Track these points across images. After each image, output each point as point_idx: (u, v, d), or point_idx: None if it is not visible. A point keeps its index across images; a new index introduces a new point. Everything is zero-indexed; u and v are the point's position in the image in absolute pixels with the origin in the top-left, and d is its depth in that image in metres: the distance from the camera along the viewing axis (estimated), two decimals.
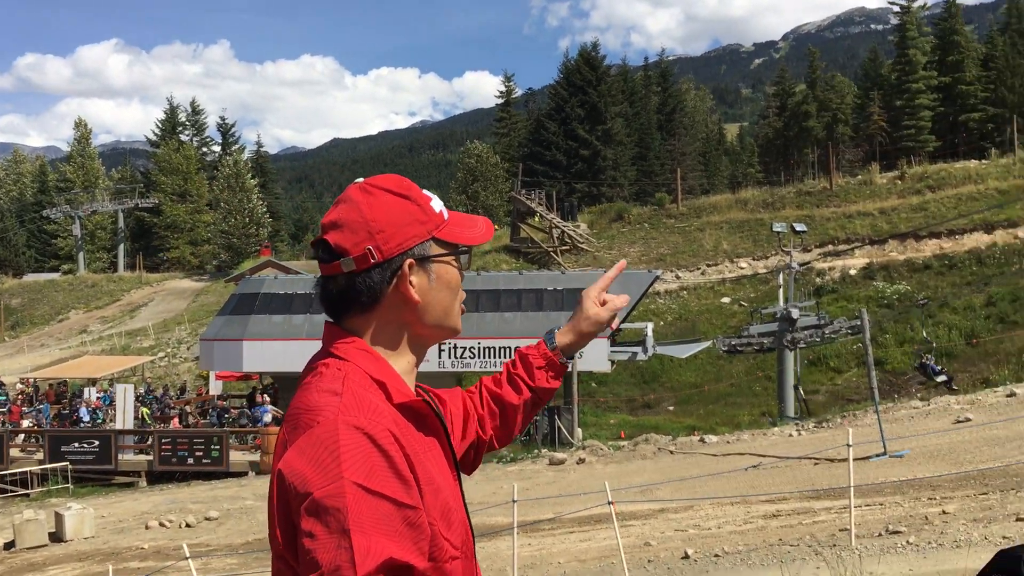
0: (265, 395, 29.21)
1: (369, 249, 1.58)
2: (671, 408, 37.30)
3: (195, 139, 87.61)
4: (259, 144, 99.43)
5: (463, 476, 1.78)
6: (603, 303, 2.00)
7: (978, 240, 44.76)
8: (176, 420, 29.52)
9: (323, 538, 1.37)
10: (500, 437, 2.00)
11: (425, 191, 1.68)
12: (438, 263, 1.63)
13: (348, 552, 1.34)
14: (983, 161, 55.76)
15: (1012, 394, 19.19)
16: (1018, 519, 8.47)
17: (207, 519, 19.63)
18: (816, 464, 16.36)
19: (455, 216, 1.70)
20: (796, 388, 30.55)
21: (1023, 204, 44.13)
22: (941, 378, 29.84)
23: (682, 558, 10.46)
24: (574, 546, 12.65)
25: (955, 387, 29.69)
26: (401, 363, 1.65)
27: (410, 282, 1.60)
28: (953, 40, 72.61)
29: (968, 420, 17.45)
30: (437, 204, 1.66)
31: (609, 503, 10.42)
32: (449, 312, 1.68)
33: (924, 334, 31.89)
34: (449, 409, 1.91)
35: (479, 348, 29.16)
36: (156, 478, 26.71)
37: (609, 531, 11.25)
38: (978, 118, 70.19)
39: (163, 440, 26.58)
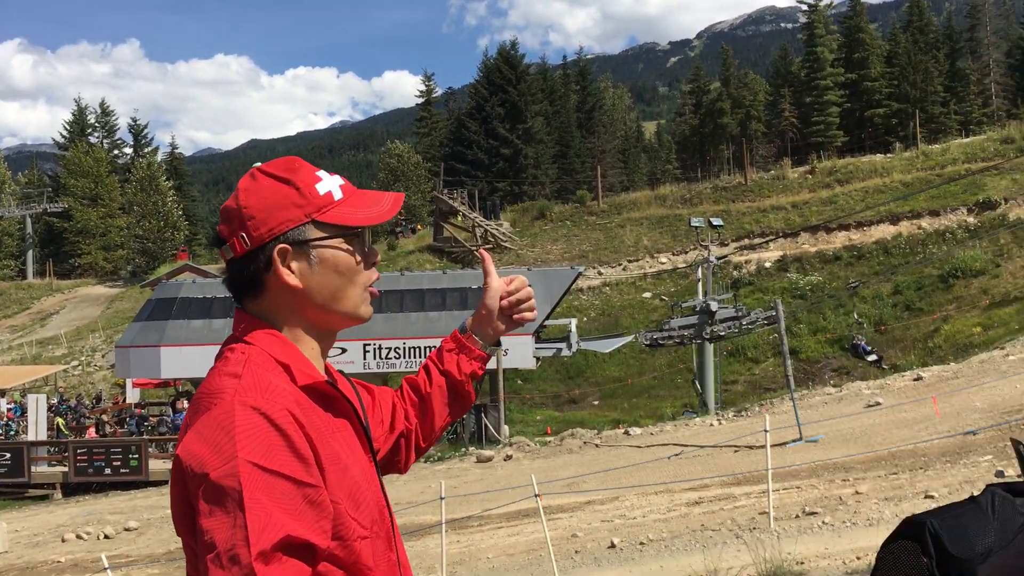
0: (186, 401, 28.61)
1: (241, 236, 1.59)
2: (596, 403, 37.77)
3: (106, 141, 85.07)
4: (173, 146, 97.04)
5: (401, 475, 1.83)
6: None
7: (884, 231, 46.37)
8: (92, 430, 28.71)
9: (219, 518, 1.37)
10: (423, 431, 1.97)
11: (320, 172, 1.64)
12: (319, 247, 1.59)
13: (243, 531, 1.34)
14: (888, 155, 57.74)
15: (919, 378, 20.00)
16: (927, 496, 8.88)
17: (126, 530, 19.17)
18: (736, 451, 16.81)
19: (355, 196, 1.65)
20: (693, 382, 31.34)
21: (926, 196, 45.85)
22: (872, 358, 30.74)
23: (608, 547, 10.66)
24: (502, 541, 12.76)
25: (884, 366, 30.63)
26: (307, 347, 1.65)
27: (289, 267, 1.59)
28: (858, 38, 75.05)
29: (878, 404, 18.13)
30: (326, 185, 1.61)
31: (536, 497, 10.55)
32: (339, 296, 1.64)
33: (856, 316, 32.70)
34: (377, 401, 1.92)
35: (404, 348, 29.09)
36: (72, 490, 25.95)
37: (537, 524, 11.39)
38: (883, 113, 72.66)
39: (79, 451, 25.83)
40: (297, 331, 1.64)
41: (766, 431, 10.61)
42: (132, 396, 33.93)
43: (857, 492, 10.15)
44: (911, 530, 1.37)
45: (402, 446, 1.96)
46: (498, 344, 2.04)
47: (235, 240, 1.60)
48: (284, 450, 1.42)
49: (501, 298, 1.99)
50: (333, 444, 1.53)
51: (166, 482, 25.22)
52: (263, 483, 1.38)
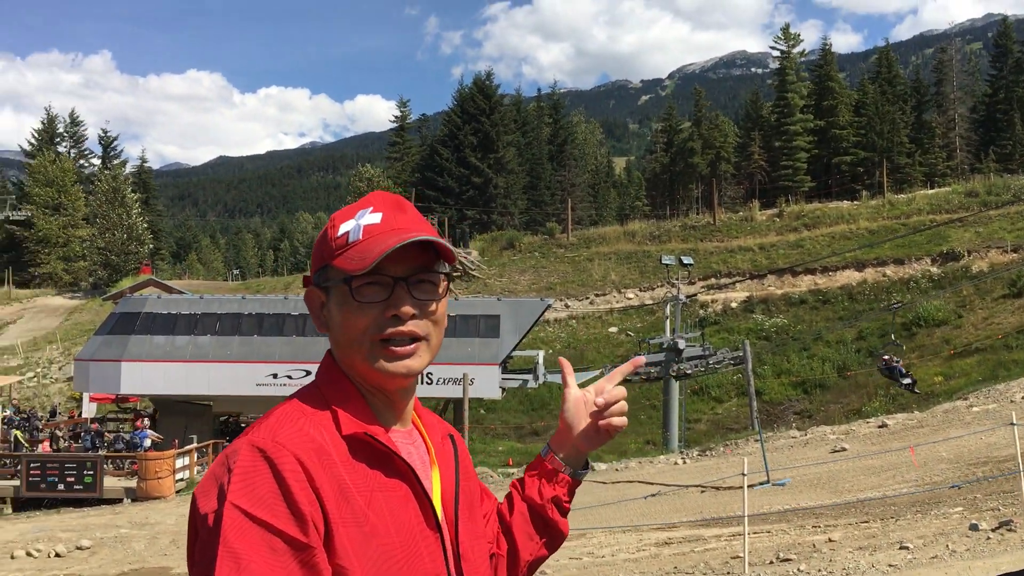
0: (145, 419, 28.10)
1: (306, 276, 1.62)
2: None
3: (73, 151, 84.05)
4: (143, 159, 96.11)
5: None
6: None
7: (850, 277, 47.04)
8: (46, 444, 28.05)
9: (200, 560, 1.35)
10: (509, 564, 1.78)
11: (363, 210, 1.56)
12: (333, 291, 1.54)
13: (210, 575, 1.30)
14: (855, 202, 58.74)
15: (884, 425, 20.17)
16: (902, 547, 8.90)
17: (79, 548, 18.70)
18: (703, 492, 16.80)
19: (377, 237, 1.51)
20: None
21: (891, 244, 46.62)
22: (907, 381, 29.22)
23: None
24: None
25: (917, 391, 29.63)
26: (374, 399, 1.57)
27: (328, 310, 1.56)
28: (828, 86, 76.49)
29: (844, 450, 18.25)
30: (348, 225, 1.54)
31: None
32: (347, 344, 1.53)
33: (892, 337, 32.01)
34: (483, 497, 1.78)
35: None
36: (22, 505, 25.30)
37: None
38: (850, 160, 73.96)
39: (32, 464, 25.20)
40: (354, 378, 1.57)
41: (743, 474, 10.60)
42: (88, 411, 33.27)
43: (830, 539, 10.16)
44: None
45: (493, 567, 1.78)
46: (586, 467, 1.84)
47: (305, 276, 1.64)
48: (277, 499, 1.34)
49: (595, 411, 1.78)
50: (362, 503, 1.42)
51: (120, 500, 24.73)
52: (243, 530, 1.32)
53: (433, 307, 1.55)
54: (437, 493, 1.58)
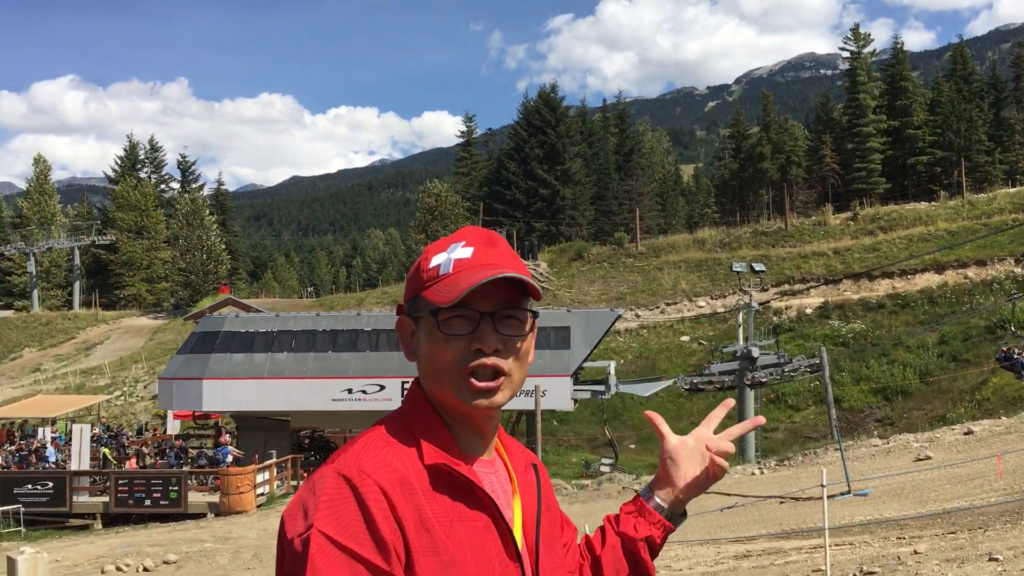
0: (228, 436, 28.80)
1: (399, 305, 1.66)
2: (632, 447, 37.40)
3: (154, 176, 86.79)
4: (219, 182, 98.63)
5: None
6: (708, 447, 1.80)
7: (929, 280, 45.78)
8: (133, 461, 28.94)
9: (289, 572, 1.40)
10: None
11: (457, 243, 1.61)
12: (425, 321, 1.57)
13: None
14: (932, 203, 57.20)
15: (970, 432, 19.58)
16: (991, 559, 8.63)
17: (165, 562, 19.21)
18: (782, 503, 16.52)
19: (466, 271, 1.55)
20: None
21: (972, 245, 45.25)
22: None
23: None
24: None
25: None
26: (459, 430, 1.60)
27: (411, 335, 1.61)
28: (901, 85, 74.68)
29: (928, 458, 17.76)
30: (440, 258, 1.58)
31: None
32: (432, 376, 1.58)
33: (1012, 328, 30.31)
34: (564, 527, 1.81)
35: None
36: (111, 520, 26.13)
37: None
38: (926, 161, 72.04)
39: (120, 481, 26.03)
40: (439, 407, 1.61)
41: (823, 484, 10.40)
42: (172, 428, 34.22)
43: (916, 551, 9.89)
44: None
45: None
46: (684, 515, 1.83)
47: (397, 306, 1.68)
48: (361, 527, 1.39)
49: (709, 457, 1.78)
50: (441, 533, 1.45)
51: (204, 515, 25.37)
52: (329, 556, 1.36)
53: (518, 344, 1.57)
54: (518, 523, 1.61)
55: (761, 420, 2.02)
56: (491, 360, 1.54)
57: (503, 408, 1.63)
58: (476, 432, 1.61)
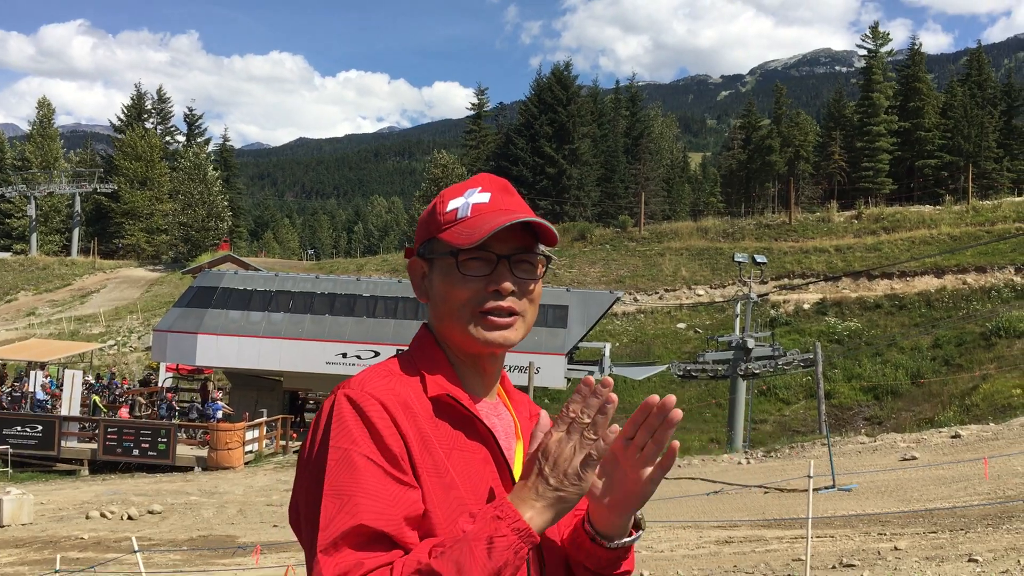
0: (220, 393, 28.89)
1: (406, 246, 1.73)
2: (621, 429, 37.52)
3: (159, 127, 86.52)
4: (225, 138, 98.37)
5: None
6: None
7: (928, 283, 45.77)
8: (124, 410, 29.01)
9: (301, 502, 1.48)
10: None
11: (472, 188, 1.66)
12: (441, 262, 1.62)
13: (315, 520, 1.41)
14: (937, 207, 57.11)
15: (957, 435, 19.65)
16: (970, 559, 8.69)
17: (150, 512, 19.33)
18: (766, 492, 16.60)
19: (484, 215, 1.60)
20: None
21: (973, 252, 45.21)
22: None
23: None
24: None
25: None
26: (463, 368, 1.65)
27: (429, 280, 1.65)
28: (915, 87, 74.39)
29: (914, 459, 17.83)
30: (458, 202, 1.63)
31: None
32: (446, 316, 1.62)
33: None
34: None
35: None
36: (98, 468, 26.25)
37: None
38: (934, 164, 71.90)
39: (109, 430, 26.12)
40: (444, 342, 1.66)
41: (809, 476, 10.46)
42: (164, 381, 34.31)
43: (896, 548, 9.95)
44: None
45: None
46: (638, 528, 1.64)
47: (407, 248, 1.73)
48: (369, 441, 1.44)
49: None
50: (441, 457, 1.50)
51: (191, 468, 25.49)
52: (347, 464, 1.42)
53: (531, 286, 1.63)
54: (519, 464, 1.63)
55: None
56: (507, 302, 1.59)
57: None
58: (481, 371, 1.66)
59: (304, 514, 1.47)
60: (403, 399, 1.50)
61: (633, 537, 1.61)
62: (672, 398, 1.49)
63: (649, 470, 1.51)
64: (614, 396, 1.43)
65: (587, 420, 1.44)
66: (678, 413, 1.47)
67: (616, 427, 1.46)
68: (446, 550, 1.35)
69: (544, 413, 1.57)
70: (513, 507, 1.41)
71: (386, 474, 1.43)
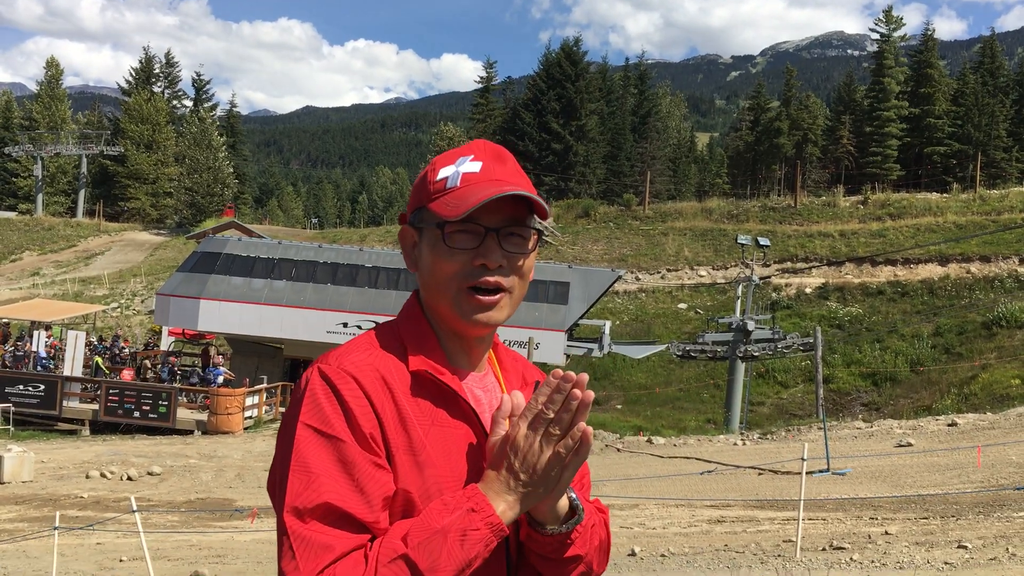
0: (220, 358, 29.00)
1: (403, 213, 1.66)
2: (619, 407, 37.66)
3: (167, 91, 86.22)
4: (232, 104, 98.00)
5: None
6: None
7: (932, 271, 45.72)
8: (126, 372, 29.15)
9: (276, 474, 1.47)
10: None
11: (464, 156, 1.59)
12: (429, 232, 1.56)
13: (283, 493, 1.41)
14: (944, 194, 56.94)
15: (953, 424, 19.74)
16: (960, 546, 8.79)
17: (149, 473, 19.50)
18: (760, 474, 16.72)
19: (474, 185, 1.53)
20: None
21: (978, 241, 45.13)
22: None
23: (628, 555, 10.67)
24: None
25: None
26: (449, 341, 1.59)
27: (418, 250, 1.60)
28: (926, 73, 73.92)
29: (910, 445, 17.94)
30: (448, 171, 1.56)
31: None
32: (432, 288, 1.56)
33: None
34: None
35: None
36: (99, 428, 26.42)
37: None
38: (943, 152, 71.58)
39: (111, 391, 26.27)
40: (430, 314, 1.60)
41: (803, 459, 10.54)
42: (165, 344, 34.44)
43: (887, 532, 10.05)
44: None
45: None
46: (572, 515, 1.55)
47: (401, 214, 1.67)
48: (341, 420, 1.42)
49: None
50: (419, 434, 1.47)
51: (191, 432, 25.67)
52: (313, 445, 1.41)
53: (521, 261, 1.56)
54: None
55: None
56: (494, 277, 1.53)
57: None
58: (467, 347, 1.60)
59: (278, 483, 1.45)
60: (381, 374, 1.47)
61: (566, 525, 1.52)
62: (584, 376, 1.44)
63: (558, 452, 1.43)
64: (580, 393, 1.41)
65: (550, 415, 1.42)
66: (589, 395, 1.42)
67: (584, 425, 1.43)
68: (421, 540, 1.35)
69: (516, 393, 1.52)
70: (487, 501, 1.41)
71: (351, 457, 1.41)
